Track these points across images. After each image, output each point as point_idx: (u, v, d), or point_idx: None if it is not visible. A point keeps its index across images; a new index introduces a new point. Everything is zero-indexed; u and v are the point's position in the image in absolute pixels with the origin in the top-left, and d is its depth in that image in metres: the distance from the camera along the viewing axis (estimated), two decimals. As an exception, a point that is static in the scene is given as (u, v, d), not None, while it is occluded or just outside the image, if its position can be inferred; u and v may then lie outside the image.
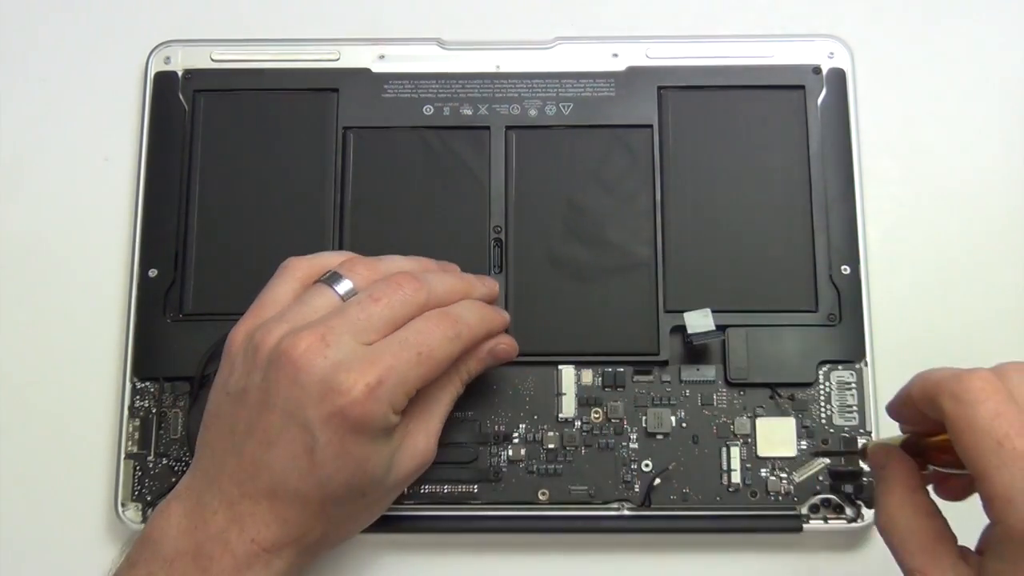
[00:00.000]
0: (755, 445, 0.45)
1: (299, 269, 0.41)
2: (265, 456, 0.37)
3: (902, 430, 0.37)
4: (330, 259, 0.42)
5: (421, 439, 0.40)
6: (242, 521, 0.37)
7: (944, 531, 0.33)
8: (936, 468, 0.35)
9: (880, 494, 0.35)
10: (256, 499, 0.37)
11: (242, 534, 0.37)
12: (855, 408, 0.46)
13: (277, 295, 0.41)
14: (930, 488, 0.37)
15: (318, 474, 0.36)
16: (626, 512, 0.45)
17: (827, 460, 0.44)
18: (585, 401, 0.46)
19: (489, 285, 0.44)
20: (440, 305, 0.40)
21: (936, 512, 0.34)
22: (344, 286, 0.40)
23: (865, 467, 0.44)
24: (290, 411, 0.36)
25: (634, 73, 0.50)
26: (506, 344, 0.42)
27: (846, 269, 0.47)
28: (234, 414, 0.38)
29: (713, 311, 0.45)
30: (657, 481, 0.45)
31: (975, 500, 0.32)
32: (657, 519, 0.45)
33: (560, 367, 0.46)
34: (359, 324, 0.38)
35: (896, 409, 0.36)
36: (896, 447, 0.36)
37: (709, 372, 0.46)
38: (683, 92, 0.49)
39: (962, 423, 0.31)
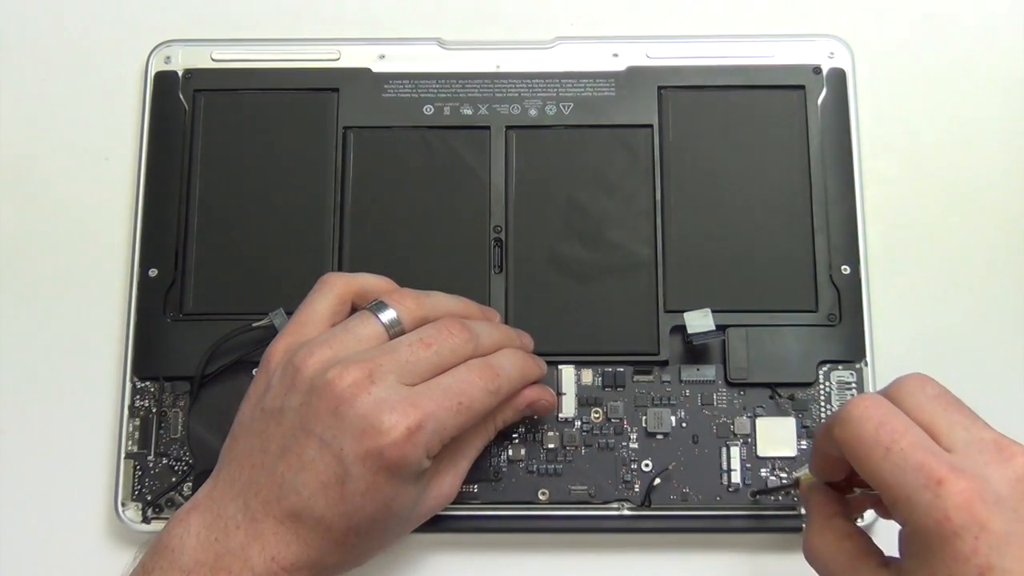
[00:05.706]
0: (755, 445, 0.45)
1: (336, 286, 0.42)
2: (295, 480, 0.37)
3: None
4: (370, 282, 0.42)
5: (448, 480, 0.41)
6: (264, 539, 0.37)
7: (864, 548, 0.35)
8: (862, 490, 0.38)
9: (805, 526, 0.38)
10: (280, 519, 0.37)
11: (263, 552, 0.37)
12: (855, 408, 0.46)
13: (315, 312, 0.41)
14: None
15: (345, 506, 0.37)
16: (626, 512, 0.45)
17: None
18: (585, 401, 0.46)
19: (526, 341, 0.44)
20: (484, 355, 0.41)
21: (855, 532, 0.36)
22: (388, 315, 0.40)
23: None
24: (327, 440, 0.37)
25: (634, 73, 0.50)
26: (547, 401, 0.43)
27: (846, 269, 0.47)
28: (267, 432, 0.38)
29: (713, 311, 0.45)
30: (657, 481, 0.45)
31: None
32: (657, 519, 0.45)
33: (560, 367, 0.46)
34: (406, 366, 0.38)
35: (818, 466, 0.38)
36: (816, 481, 0.38)
37: (709, 372, 0.46)
38: (683, 92, 0.49)
39: (853, 442, 0.33)
